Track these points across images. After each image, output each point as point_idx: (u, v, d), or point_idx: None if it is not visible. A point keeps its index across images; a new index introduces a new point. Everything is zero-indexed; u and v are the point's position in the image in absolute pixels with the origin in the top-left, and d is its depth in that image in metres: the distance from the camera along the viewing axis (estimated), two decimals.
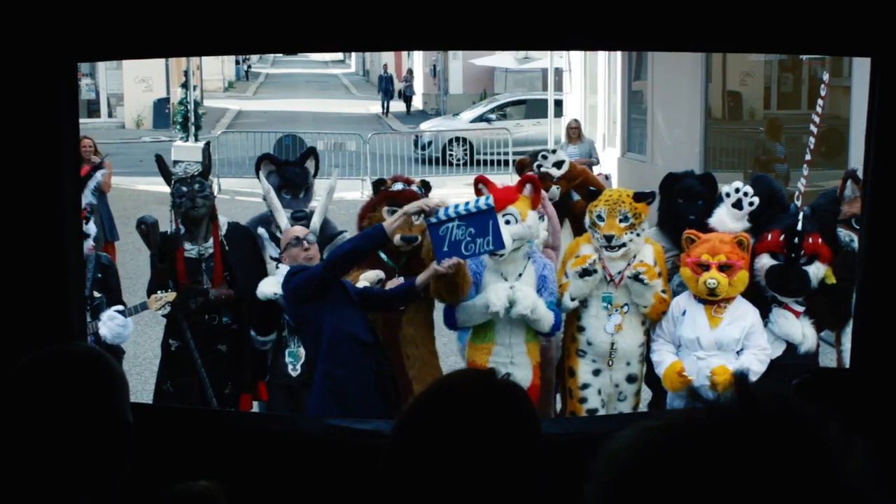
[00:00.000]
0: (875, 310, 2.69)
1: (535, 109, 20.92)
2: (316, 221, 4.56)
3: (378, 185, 4.55)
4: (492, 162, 18.14)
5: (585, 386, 4.50)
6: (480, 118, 21.10)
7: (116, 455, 1.65)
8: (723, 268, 4.23)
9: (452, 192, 15.84)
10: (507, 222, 4.17)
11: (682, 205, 4.72)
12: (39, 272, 2.55)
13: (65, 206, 2.58)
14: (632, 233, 4.35)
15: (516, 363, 4.26)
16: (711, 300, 4.29)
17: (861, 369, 2.73)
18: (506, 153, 17.92)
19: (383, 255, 4.36)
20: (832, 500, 0.79)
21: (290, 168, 4.92)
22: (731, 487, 0.79)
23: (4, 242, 2.52)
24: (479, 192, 4.39)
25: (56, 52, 2.48)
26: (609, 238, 4.33)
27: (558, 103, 19.00)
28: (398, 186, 4.48)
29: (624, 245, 4.34)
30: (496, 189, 4.40)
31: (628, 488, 0.84)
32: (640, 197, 4.42)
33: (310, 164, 4.99)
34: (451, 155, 19.38)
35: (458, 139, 19.67)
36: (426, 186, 4.61)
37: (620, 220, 4.34)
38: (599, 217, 4.39)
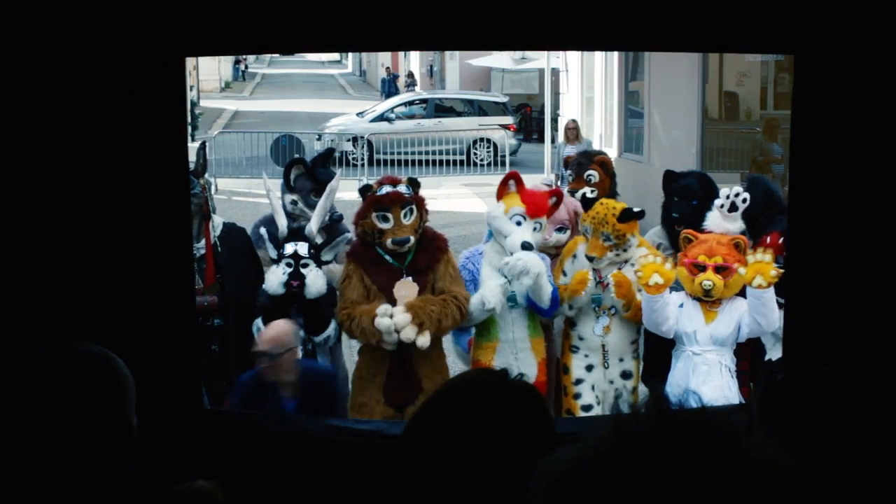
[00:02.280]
0: (799, 293, 2.74)
1: (437, 109, 21.01)
2: (314, 224, 4.54)
3: (365, 190, 4.48)
4: (393, 162, 17.96)
5: (579, 381, 4.53)
6: (381, 117, 20.64)
7: (120, 456, 1.64)
8: (719, 269, 4.25)
9: (449, 191, 15.85)
10: (535, 229, 4.31)
11: (675, 203, 4.73)
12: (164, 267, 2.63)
13: (172, 196, 2.62)
14: (616, 250, 4.38)
15: (520, 359, 4.29)
16: (708, 300, 4.32)
17: (795, 360, 2.78)
18: (407, 153, 17.80)
19: (388, 257, 4.36)
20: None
21: (321, 170, 4.92)
22: None
23: (107, 236, 2.57)
24: (503, 190, 4.36)
25: (164, 47, 2.51)
26: (590, 259, 4.38)
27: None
28: (385, 189, 4.42)
29: (606, 263, 4.39)
30: (530, 193, 4.41)
31: None
32: (626, 216, 4.38)
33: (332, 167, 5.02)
34: (352, 155, 18.61)
35: (357, 138, 19.10)
36: (414, 184, 4.58)
37: (603, 241, 4.36)
38: (586, 231, 4.43)
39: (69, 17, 2.45)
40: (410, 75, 32.01)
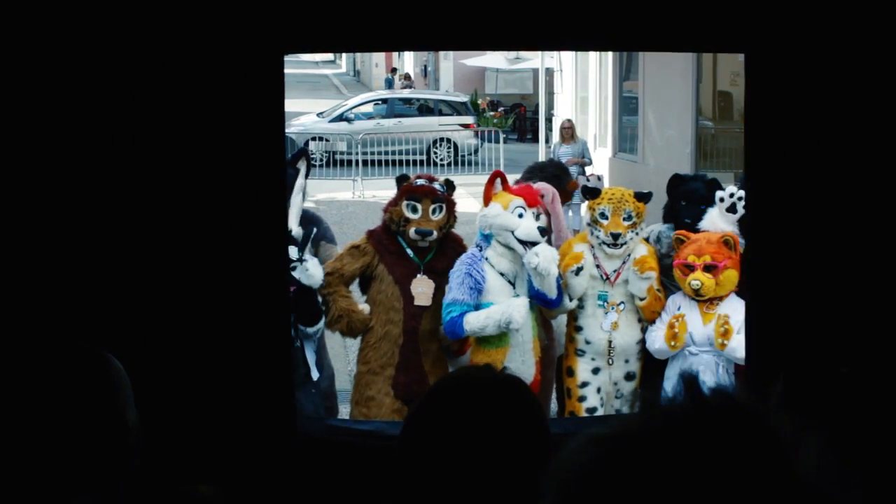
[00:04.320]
0: (761, 291, 2.76)
1: (393, 108, 20.92)
2: (293, 224, 4.55)
3: (401, 180, 4.57)
4: (348, 162, 17.78)
5: (584, 384, 4.53)
6: (340, 117, 20.45)
7: (117, 456, 1.64)
8: (708, 268, 4.28)
9: None
10: (536, 218, 4.33)
11: (683, 207, 4.74)
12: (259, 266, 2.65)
13: (269, 190, 2.62)
14: (633, 231, 4.41)
15: (525, 361, 4.30)
16: (700, 299, 4.35)
17: (759, 363, 2.80)
18: (366, 153, 17.67)
19: (409, 252, 4.41)
20: (790, 499, 0.76)
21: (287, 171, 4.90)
22: (685, 495, 0.75)
23: (215, 235, 2.58)
24: (490, 192, 4.36)
25: (264, 44, 2.52)
26: (616, 236, 4.38)
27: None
28: (421, 182, 4.51)
29: (626, 243, 4.39)
30: (518, 187, 4.42)
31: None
32: (640, 197, 4.47)
33: (301, 165, 4.99)
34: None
35: (314, 138, 18.89)
36: (450, 185, 4.64)
37: (624, 219, 4.39)
38: (603, 215, 4.43)
39: (176, 16, 2.47)
40: (407, 77, 31.87)
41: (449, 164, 18.75)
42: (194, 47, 2.50)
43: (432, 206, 4.38)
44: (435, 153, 19.32)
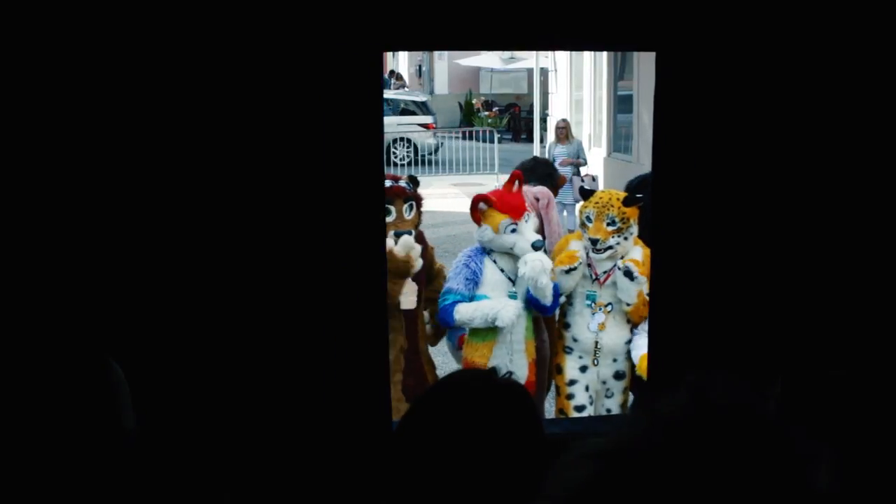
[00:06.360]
0: (663, 297, 2.78)
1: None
2: None
3: None
4: None
5: (572, 382, 4.53)
6: None
7: (113, 459, 1.63)
8: None
9: (438, 191, 15.86)
10: (527, 221, 4.32)
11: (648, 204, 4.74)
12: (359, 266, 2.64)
13: (369, 189, 2.62)
14: (619, 236, 4.39)
15: (514, 361, 4.30)
16: None
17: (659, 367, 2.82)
18: None
19: None
20: None
21: None
22: None
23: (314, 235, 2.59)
24: (477, 214, 4.36)
25: (363, 42, 2.52)
26: (594, 241, 4.38)
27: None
28: (387, 183, 4.50)
29: (610, 248, 4.39)
30: (501, 200, 4.40)
31: None
32: (630, 201, 4.44)
33: None
34: None
35: None
36: (414, 182, 4.63)
37: (608, 224, 4.38)
38: (588, 219, 4.43)
39: (274, 13, 2.47)
40: (399, 76, 31.87)
41: (409, 164, 18.79)
42: (293, 45, 2.49)
43: (404, 206, 4.37)
44: (394, 153, 19.33)
